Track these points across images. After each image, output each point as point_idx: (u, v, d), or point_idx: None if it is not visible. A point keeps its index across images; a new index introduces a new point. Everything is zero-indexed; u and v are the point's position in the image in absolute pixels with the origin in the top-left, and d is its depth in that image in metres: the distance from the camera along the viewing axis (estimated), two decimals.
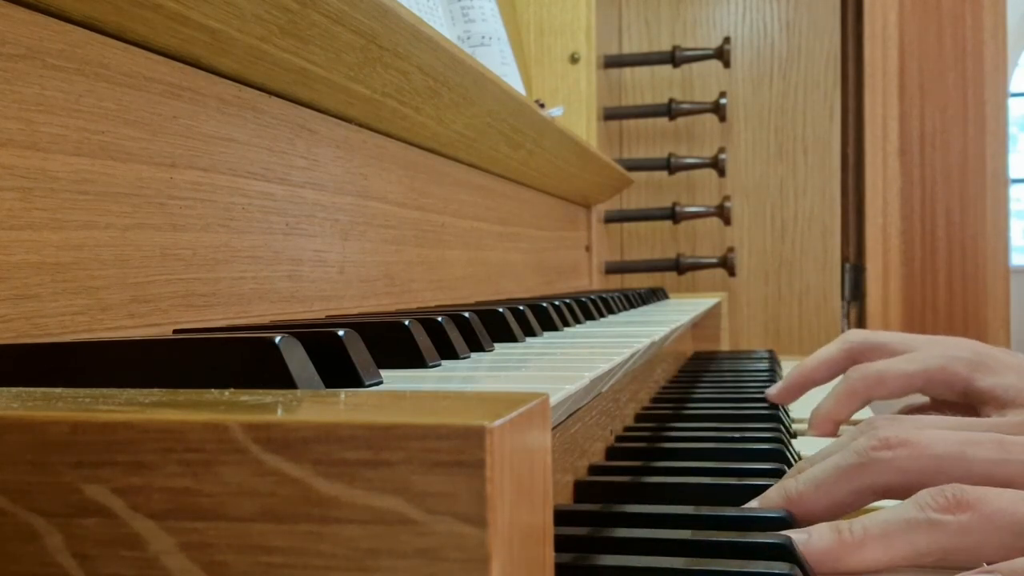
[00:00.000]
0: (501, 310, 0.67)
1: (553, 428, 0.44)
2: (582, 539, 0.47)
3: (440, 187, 0.99)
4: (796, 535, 0.44)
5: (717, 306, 1.83)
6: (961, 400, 0.71)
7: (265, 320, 0.64)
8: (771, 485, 0.55)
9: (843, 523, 0.44)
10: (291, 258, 0.68)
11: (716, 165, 2.05)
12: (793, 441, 0.76)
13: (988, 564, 0.41)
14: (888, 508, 0.44)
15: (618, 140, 2.21)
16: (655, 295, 1.58)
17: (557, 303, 0.83)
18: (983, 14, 2.11)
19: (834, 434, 0.76)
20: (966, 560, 0.42)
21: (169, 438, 0.24)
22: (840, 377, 0.79)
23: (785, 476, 0.52)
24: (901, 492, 0.45)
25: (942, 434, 0.46)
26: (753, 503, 0.51)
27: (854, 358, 0.79)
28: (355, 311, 0.77)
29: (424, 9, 1.08)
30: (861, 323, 2.14)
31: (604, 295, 1.08)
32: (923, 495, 0.42)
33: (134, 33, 0.51)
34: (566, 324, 0.83)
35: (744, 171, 2.20)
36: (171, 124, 0.55)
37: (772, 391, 0.85)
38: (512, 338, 0.66)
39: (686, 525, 0.49)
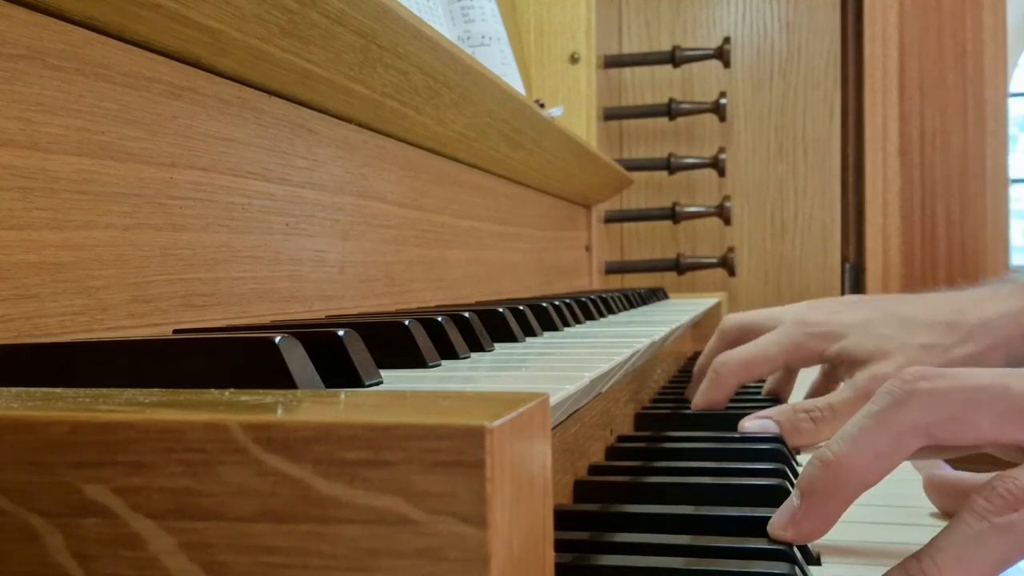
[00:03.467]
0: (501, 310, 0.67)
1: (553, 428, 0.44)
2: (582, 539, 0.47)
3: (440, 187, 0.99)
4: None
5: (717, 306, 1.82)
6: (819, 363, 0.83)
7: (265, 320, 0.64)
8: (771, 485, 0.55)
9: (910, 560, 0.41)
10: (291, 258, 0.68)
11: (716, 165, 2.05)
12: None
13: None
14: (943, 532, 0.41)
15: (618, 140, 2.21)
16: (655, 295, 1.58)
17: (557, 303, 0.83)
18: (983, 14, 2.11)
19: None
20: None
21: (169, 438, 0.24)
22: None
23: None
24: (944, 431, 0.43)
25: (979, 370, 0.44)
26: (780, 515, 0.46)
27: (732, 343, 0.86)
28: (355, 311, 0.77)
29: (424, 9, 1.08)
30: None
31: (604, 295, 1.08)
32: (976, 502, 0.40)
33: (134, 33, 0.51)
34: (566, 324, 0.83)
35: (744, 171, 2.20)
36: (171, 124, 0.55)
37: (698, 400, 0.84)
38: (512, 338, 0.66)
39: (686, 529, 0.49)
